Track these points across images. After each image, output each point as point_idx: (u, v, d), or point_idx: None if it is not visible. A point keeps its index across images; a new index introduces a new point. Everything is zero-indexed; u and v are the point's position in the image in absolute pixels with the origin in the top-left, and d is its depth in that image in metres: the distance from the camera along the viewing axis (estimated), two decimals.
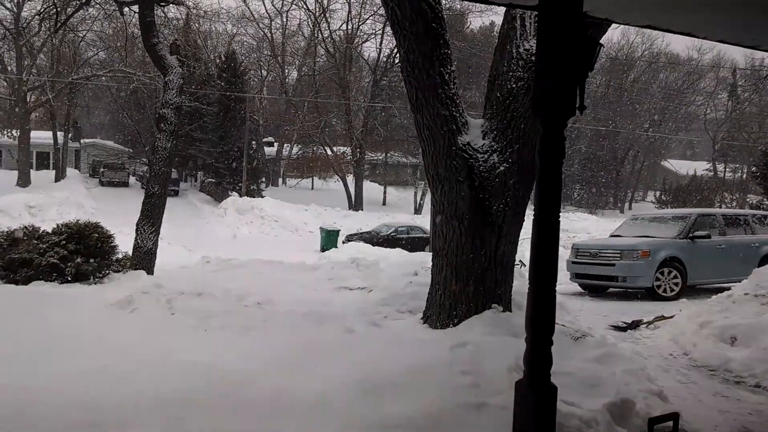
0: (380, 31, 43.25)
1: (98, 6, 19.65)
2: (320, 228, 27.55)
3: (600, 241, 15.35)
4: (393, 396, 4.06)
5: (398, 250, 19.54)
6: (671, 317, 9.12)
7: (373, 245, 22.42)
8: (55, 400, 3.81)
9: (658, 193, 54.25)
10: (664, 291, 12.54)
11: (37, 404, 3.74)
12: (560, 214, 3.27)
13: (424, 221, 29.79)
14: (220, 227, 32.33)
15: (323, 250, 24.44)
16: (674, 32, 4.21)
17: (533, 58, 6.28)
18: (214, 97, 40.01)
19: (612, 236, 14.88)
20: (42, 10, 19.27)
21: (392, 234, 27.00)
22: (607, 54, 50.47)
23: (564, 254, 12.20)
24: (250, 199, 36.40)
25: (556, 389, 3.29)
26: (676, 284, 12.58)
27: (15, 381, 4.12)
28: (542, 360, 3.23)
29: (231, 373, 4.65)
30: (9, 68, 39.12)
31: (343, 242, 26.02)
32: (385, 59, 44.18)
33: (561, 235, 3.38)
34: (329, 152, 45.16)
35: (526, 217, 6.67)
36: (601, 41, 4.19)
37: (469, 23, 52.12)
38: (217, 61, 44.42)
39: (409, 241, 25.63)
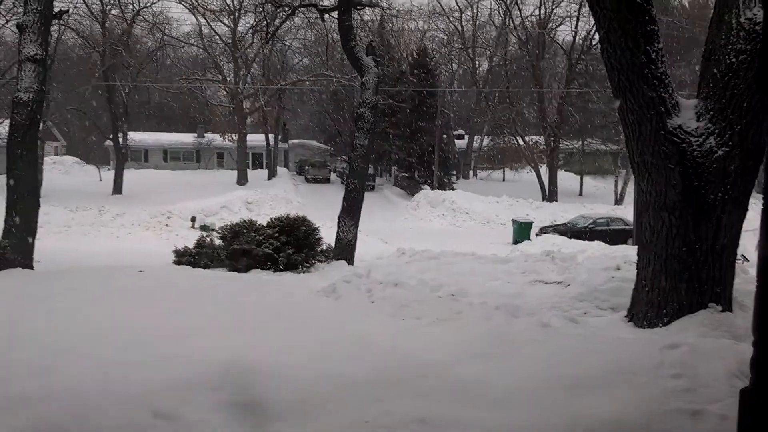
0: (576, 13, 41.28)
1: (302, 15, 21.23)
2: (512, 220, 27.12)
3: None
4: (596, 395, 3.85)
5: (597, 243, 18.53)
6: None
7: (570, 238, 21.54)
8: (262, 377, 4.15)
9: None
10: None
11: (254, 377, 4.12)
12: None
13: (626, 212, 27.97)
14: (413, 220, 33.30)
15: (516, 242, 24.04)
16: None
17: (758, 27, 5.59)
18: (407, 93, 41.20)
19: None
20: (254, 23, 21.31)
21: (590, 226, 25.67)
22: None
23: None
24: (441, 192, 36.98)
25: None
26: None
27: (236, 353, 4.57)
28: None
29: (426, 360, 4.74)
30: (228, 79, 43.83)
31: (537, 234, 25.34)
32: (581, 42, 42.09)
33: None
34: (521, 142, 44.22)
35: (749, 207, 5.96)
36: None
37: None
38: (409, 58, 45.67)
39: (610, 234, 24.18)
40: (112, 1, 37.38)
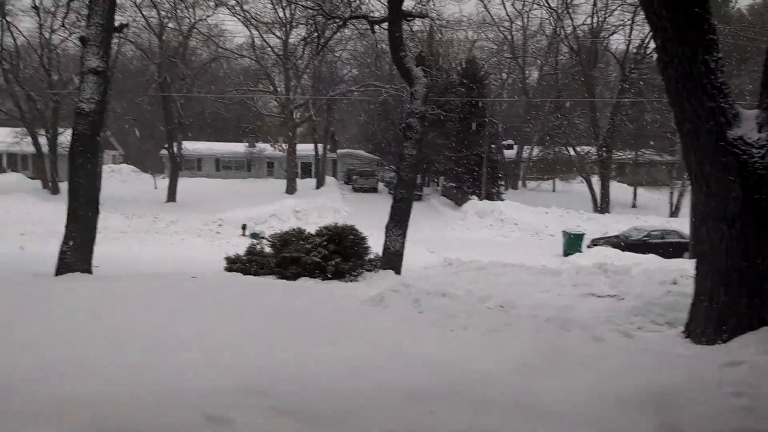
0: (629, 21, 40.42)
1: (352, 26, 21.43)
2: (563, 231, 26.64)
3: None
4: (653, 413, 3.74)
5: (651, 256, 18.07)
6: None
7: (622, 250, 21.06)
8: (312, 385, 4.19)
9: None
10: None
11: (302, 385, 4.16)
12: None
13: (681, 225, 27.16)
14: (460, 230, 33.09)
15: (566, 254, 23.62)
16: None
17: None
18: (455, 103, 41.09)
19: None
20: (306, 35, 21.65)
21: (644, 238, 25.01)
22: None
23: None
24: (489, 203, 36.66)
25: None
26: None
27: (285, 360, 4.63)
28: None
29: (476, 372, 4.70)
30: (279, 89, 44.61)
31: (588, 246, 24.84)
32: (634, 50, 41.18)
33: None
34: (572, 152, 43.51)
35: None
36: None
37: (735, 2, 46.27)
38: (458, 68, 45.57)
39: (664, 247, 23.50)
40: (169, 15, 38.64)
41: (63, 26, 32.80)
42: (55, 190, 37.79)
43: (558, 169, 47.06)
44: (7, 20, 37.01)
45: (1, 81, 39.63)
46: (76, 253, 11.20)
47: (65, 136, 34.72)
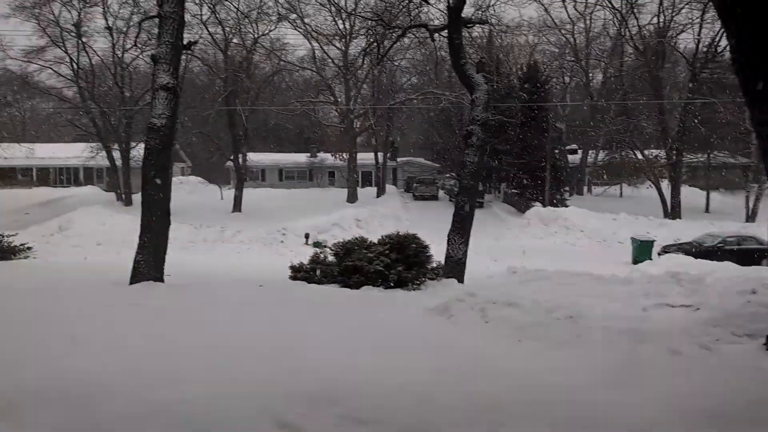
0: (698, 19, 38.91)
1: (411, 35, 21.49)
2: (632, 238, 25.82)
3: None
4: (736, 430, 3.55)
5: (727, 263, 17.28)
6: None
7: (695, 258, 20.21)
8: (380, 395, 4.17)
9: None
10: None
11: (373, 394, 4.16)
12: None
13: (759, 230, 25.87)
14: (524, 237, 32.52)
15: (635, 262, 22.88)
16: None
17: None
18: (516, 108, 40.53)
19: None
20: (365, 46, 21.82)
21: (719, 245, 23.93)
22: None
23: None
24: (553, 209, 35.93)
25: None
26: None
27: (363, 375, 4.64)
28: None
29: (548, 386, 4.59)
30: (339, 100, 45.19)
31: (659, 254, 23.97)
32: (704, 49, 39.59)
33: None
34: (640, 156, 42.13)
35: None
36: None
37: None
38: (519, 72, 44.97)
39: (741, 254, 22.42)
40: (233, 31, 39.82)
41: (135, 45, 34.42)
42: (128, 202, 39.40)
43: (625, 173, 45.61)
44: (83, 41, 39.03)
45: (77, 99, 41.79)
46: (150, 262, 11.60)
47: (138, 150, 36.18)
